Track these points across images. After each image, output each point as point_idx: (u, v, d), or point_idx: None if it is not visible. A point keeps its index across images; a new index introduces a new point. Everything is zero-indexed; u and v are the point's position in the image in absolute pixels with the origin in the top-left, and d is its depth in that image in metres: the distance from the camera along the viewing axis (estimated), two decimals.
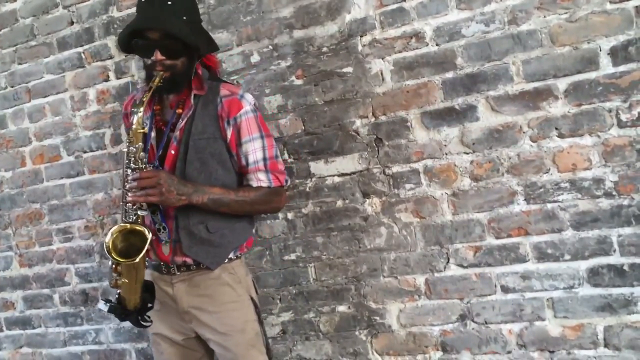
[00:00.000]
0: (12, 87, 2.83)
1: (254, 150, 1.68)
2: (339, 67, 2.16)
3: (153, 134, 1.71)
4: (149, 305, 1.64)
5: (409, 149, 2.08)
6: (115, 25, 2.56)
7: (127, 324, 2.61)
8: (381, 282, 2.15)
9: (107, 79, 2.61)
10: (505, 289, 1.98)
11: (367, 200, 2.15)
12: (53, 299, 2.80)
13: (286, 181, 1.76)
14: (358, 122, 2.15)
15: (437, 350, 2.08)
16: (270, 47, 2.27)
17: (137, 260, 1.52)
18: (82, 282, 2.72)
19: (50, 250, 2.79)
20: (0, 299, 2.94)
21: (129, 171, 1.58)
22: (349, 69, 2.15)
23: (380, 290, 2.15)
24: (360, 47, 2.13)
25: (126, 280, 1.58)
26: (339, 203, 2.19)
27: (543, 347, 1.94)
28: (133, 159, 1.58)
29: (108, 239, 1.55)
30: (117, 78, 2.58)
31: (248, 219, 1.78)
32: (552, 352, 1.93)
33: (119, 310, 1.63)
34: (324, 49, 2.18)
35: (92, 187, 2.66)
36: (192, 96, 1.68)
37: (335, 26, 2.16)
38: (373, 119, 2.13)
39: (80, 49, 2.65)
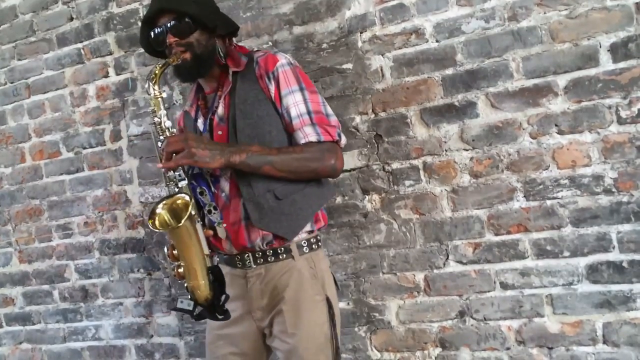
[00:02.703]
0: (11, 83, 2.83)
1: (295, 103, 1.55)
2: (338, 64, 2.16)
3: (200, 121, 1.65)
4: (223, 296, 1.49)
5: (409, 146, 2.08)
6: (115, 21, 2.56)
7: (127, 320, 2.63)
8: (380, 278, 2.15)
9: (106, 75, 2.61)
10: (505, 286, 1.98)
11: (367, 196, 2.15)
12: (53, 295, 2.80)
13: (339, 135, 1.59)
14: (358, 119, 2.14)
15: (436, 346, 2.09)
16: (270, 43, 2.27)
17: (182, 223, 1.40)
18: (82, 278, 2.72)
19: (50, 246, 2.79)
20: (0, 295, 2.94)
21: (159, 144, 1.51)
22: (349, 66, 2.15)
23: (379, 287, 2.15)
24: (360, 44, 2.13)
25: (185, 264, 1.46)
26: (339, 199, 2.19)
27: (542, 343, 1.94)
28: (160, 129, 1.50)
29: (157, 212, 1.46)
30: (117, 74, 2.58)
31: (321, 185, 1.62)
32: (551, 348, 1.93)
33: (189, 305, 1.48)
34: (324, 45, 2.18)
35: (91, 183, 2.67)
36: (230, 74, 1.61)
37: (335, 22, 2.16)
38: (373, 116, 2.13)
39: (79, 45, 2.65)
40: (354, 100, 2.14)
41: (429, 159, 2.06)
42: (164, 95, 1.54)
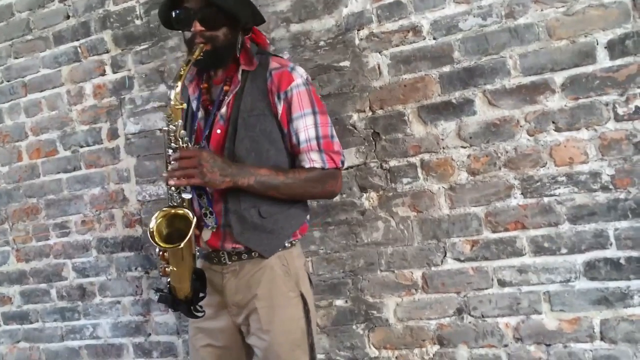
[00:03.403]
0: (8, 81, 2.82)
1: (305, 127, 1.54)
2: (336, 61, 2.16)
3: (200, 114, 1.61)
4: (201, 294, 1.54)
5: (406, 143, 2.08)
6: (112, 19, 2.55)
7: (125, 318, 2.63)
8: (378, 276, 2.15)
9: (103, 73, 2.60)
10: (502, 283, 1.98)
11: (365, 194, 2.15)
12: (50, 294, 2.80)
13: (342, 162, 1.60)
14: (355, 116, 2.14)
15: (434, 344, 2.09)
16: (268, 41, 2.26)
17: (182, 245, 1.41)
18: (79, 277, 2.72)
19: (47, 245, 2.78)
20: None
21: (170, 151, 1.48)
22: (346, 63, 2.14)
23: (377, 285, 2.15)
24: (357, 41, 2.13)
25: (174, 268, 1.48)
26: (337, 197, 2.18)
27: (540, 340, 1.94)
28: (173, 138, 1.47)
29: (152, 224, 1.46)
30: (114, 72, 2.58)
31: (303, 204, 1.65)
32: (548, 345, 1.93)
33: (170, 299, 1.54)
34: (321, 43, 2.18)
35: (88, 181, 2.66)
36: (240, 72, 1.56)
37: (332, 20, 2.16)
38: (370, 113, 2.12)
39: (76, 43, 2.64)
40: (352, 98, 2.14)
41: (426, 156, 2.06)
42: (185, 106, 1.50)
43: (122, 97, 2.56)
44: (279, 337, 1.55)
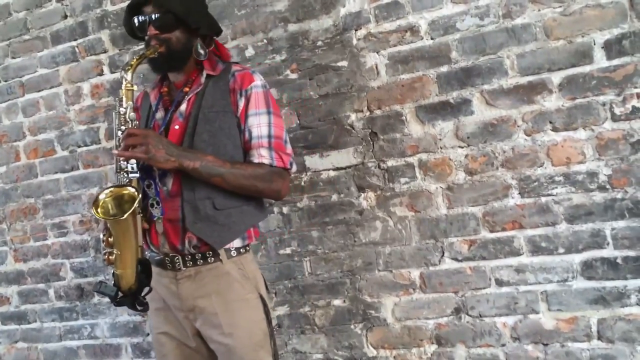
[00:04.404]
0: (5, 81, 2.82)
1: (258, 124, 1.61)
2: (333, 61, 2.16)
3: (159, 114, 1.67)
4: (146, 287, 1.54)
5: (404, 143, 2.08)
6: (109, 19, 2.55)
7: (123, 318, 2.63)
8: (376, 275, 2.15)
9: (101, 73, 2.60)
10: (500, 283, 1.98)
11: (362, 194, 2.15)
12: (48, 294, 2.80)
13: (291, 164, 1.65)
14: (353, 116, 2.14)
15: (432, 343, 2.09)
16: (265, 41, 2.26)
17: (124, 217, 1.43)
18: (77, 277, 2.72)
19: (45, 245, 2.78)
20: None
21: (119, 133, 1.54)
22: (344, 63, 2.15)
23: (375, 284, 2.16)
24: (355, 41, 2.13)
25: (118, 252, 1.49)
26: (334, 197, 2.19)
27: (537, 339, 1.95)
28: (123, 119, 1.54)
29: (100, 197, 1.49)
30: (112, 72, 2.58)
31: (257, 204, 1.68)
32: (546, 344, 1.94)
33: (112, 290, 1.53)
34: (319, 43, 2.18)
35: (86, 181, 2.66)
36: (204, 75, 1.65)
37: (330, 20, 2.16)
38: (368, 113, 2.13)
39: (74, 43, 2.64)
40: (349, 97, 2.14)
41: (424, 156, 2.06)
42: (135, 88, 1.57)
43: (120, 96, 2.55)
44: (242, 339, 1.58)
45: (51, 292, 2.79)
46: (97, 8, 2.58)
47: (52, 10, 2.67)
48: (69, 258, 2.73)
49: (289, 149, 1.66)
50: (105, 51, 2.58)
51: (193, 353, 1.69)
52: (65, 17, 2.65)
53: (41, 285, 2.81)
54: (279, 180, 1.63)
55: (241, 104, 1.62)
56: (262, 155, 1.60)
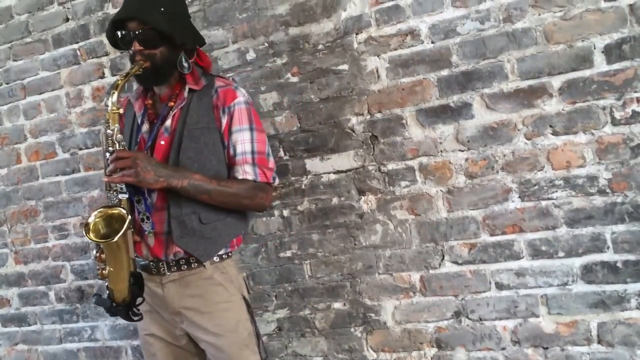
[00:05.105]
0: (7, 84, 2.82)
1: (242, 141, 1.66)
2: (334, 65, 2.16)
3: (145, 128, 1.71)
4: (139, 298, 1.61)
5: (404, 147, 2.08)
6: None
7: (123, 321, 2.60)
8: (376, 279, 2.15)
9: (102, 76, 2.60)
10: (500, 286, 1.99)
11: (363, 197, 2.16)
12: (49, 296, 2.80)
13: (274, 179, 1.73)
14: (353, 120, 2.15)
15: (432, 346, 2.09)
16: (266, 44, 2.27)
17: (115, 239, 1.48)
18: (78, 279, 2.72)
19: (46, 247, 2.78)
20: None
21: (108, 155, 1.57)
22: (345, 67, 2.15)
23: (375, 287, 2.16)
24: (355, 45, 2.13)
25: (111, 269, 1.55)
26: (335, 200, 2.19)
27: (537, 343, 1.95)
28: (111, 141, 1.57)
29: (90, 221, 1.53)
30: (113, 75, 2.58)
31: (241, 215, 1.75)
32: (546, 348, 1.94)
33: (108, 303, 1.61)
34: (320, 47, 2.18)
35: (87, 184, 2.66)
36: (187, 90, 1.68)
37: (331, 23, 2.16)
38: (368, 117, 2.13)
39: (75, 46, 2.64)
40: (350, 101, 2.15)
41: (424, 159, 2.06)
42: (121, 111, 1.60)
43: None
44: (229, 338, 1.66)
45: (52, 294, 2.79)
46: (99, 11, 2.58)
47: (54, 13, 2.68)
48: (69, 260, 2.73)
49: (271, 162, 1.72)
50: (106, 54, 2.59)
51: (182, 351, 1.76)
52: (67, 20, 2.66)
53: (42, 288, 2.81)
54: (262, 194, 1.70)
55: (224, 120, 1.66)
56: (246, 172, 1.66)
